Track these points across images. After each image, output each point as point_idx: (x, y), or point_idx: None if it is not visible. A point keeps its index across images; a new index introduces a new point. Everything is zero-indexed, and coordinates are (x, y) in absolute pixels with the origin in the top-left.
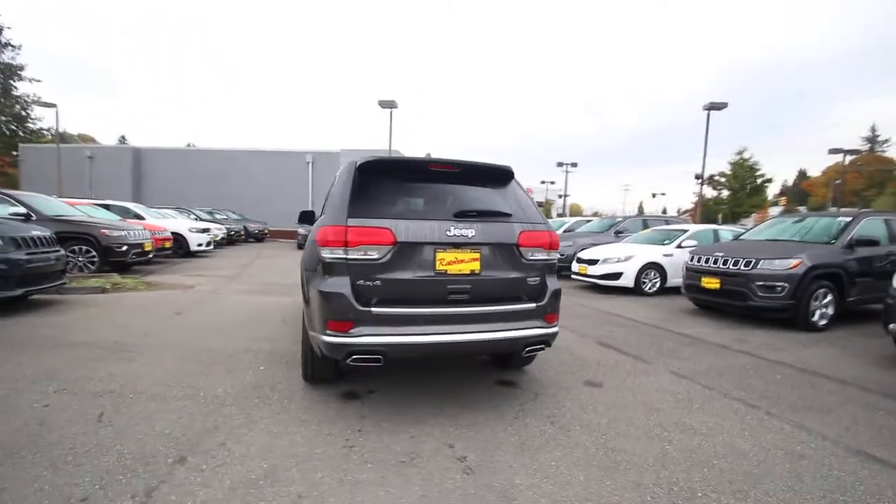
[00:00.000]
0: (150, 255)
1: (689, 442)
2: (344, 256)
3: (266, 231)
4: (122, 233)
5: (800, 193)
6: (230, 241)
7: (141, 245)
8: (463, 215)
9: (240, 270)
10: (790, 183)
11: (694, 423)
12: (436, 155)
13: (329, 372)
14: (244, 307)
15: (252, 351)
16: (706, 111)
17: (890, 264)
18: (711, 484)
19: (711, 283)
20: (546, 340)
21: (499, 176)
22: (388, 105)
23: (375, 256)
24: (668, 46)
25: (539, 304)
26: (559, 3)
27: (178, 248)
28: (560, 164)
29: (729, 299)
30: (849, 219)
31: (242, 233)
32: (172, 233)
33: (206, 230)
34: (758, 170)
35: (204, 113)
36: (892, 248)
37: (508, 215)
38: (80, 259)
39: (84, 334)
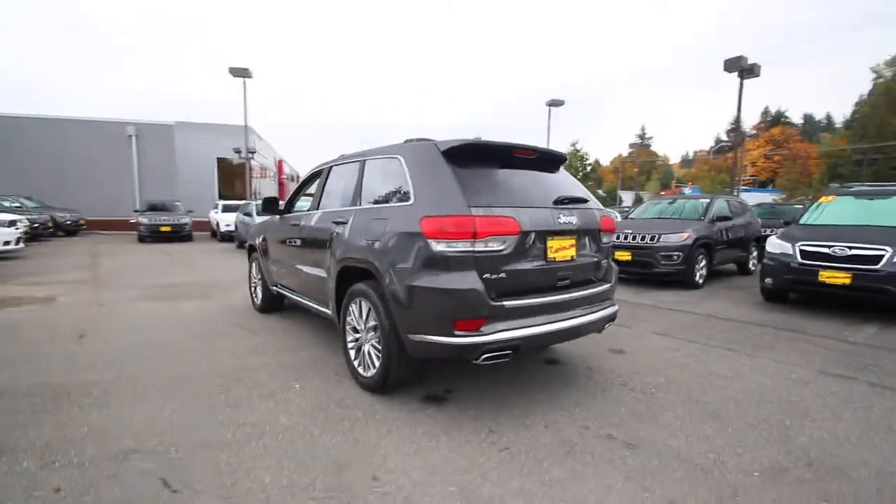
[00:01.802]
0: None
1: (736, 385)
2: (470, 249)
3: (82, 222)
4: None
5: (597, 179)
6: (34, 235)
7: None
8: (561, 202)
9: (91, 273)
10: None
11: (714, 369)
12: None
13: (413, 374)
14: (162, 318)
15: (252, 369)
16: (548, 107)
17: (734, 234)
18: (779, 414)
19: (623, 255)
20: (615, 317)
21: (559, 162)
22: (241, 74)
23: (500, 248)
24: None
25: (610, 284)
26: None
27: None
28: None
29: (640, 268)
30: (707, 200)
31: (51, 224)
32: None
33: (13, 223)
34: (587, 159)
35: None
36: (735, 222)
37: (587, 200)
38: None
39: None
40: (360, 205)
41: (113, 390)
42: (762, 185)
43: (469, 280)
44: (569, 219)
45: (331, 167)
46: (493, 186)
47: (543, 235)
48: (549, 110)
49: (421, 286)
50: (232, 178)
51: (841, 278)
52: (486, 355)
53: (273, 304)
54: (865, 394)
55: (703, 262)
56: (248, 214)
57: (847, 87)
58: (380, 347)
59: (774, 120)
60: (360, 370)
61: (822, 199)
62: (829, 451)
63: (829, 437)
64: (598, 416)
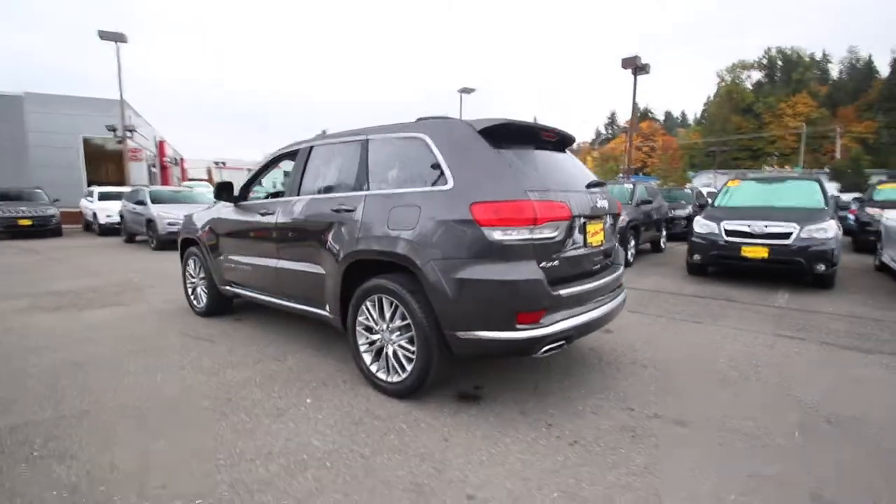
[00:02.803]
0: None
1: (723, 354)
2: (529, 237)
3: None
4: None
5: None
6: None
7: None
8: (592, 186)
9: None
10: None
11: (694, 340)
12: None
13: (447, 374)
14: (78, 332)
15: (237, 384)
16: (459, 93)
17: (653, 216)
18: (775, 377)
19: None
20: (625, 300)
21: (569, 143)
22: (114, 38)
23: (554, 234)
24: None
25: (622, 267)
26: None
27: None
28: None
29: None
30: (632, 186)
31: None
32: None
33: None
34: None
35: None
36: (652, 205)
37: (605, 183)
38: None
39: None
40: (369, 189)
41: (65, 434)
42: (636, 173)
43: (530, 269)
44: (602, 203)
45: (311, 147)
46: (533, 170)
47: (584, 220)
48: (461, 97)
49: (475, 279)
50: (102, 161)
51: (760, 252)
52: (546, 348)
53: (221, 305)
54: (822, 352)
55: (633, 242)
56: (141, 203)
57: (698, 88)
58: (412, 348)
59: (643, 116)
60: (382, 375)
61: (730, 183)
62: (836, 405)
63: (825, 394)
64: (634, 396)
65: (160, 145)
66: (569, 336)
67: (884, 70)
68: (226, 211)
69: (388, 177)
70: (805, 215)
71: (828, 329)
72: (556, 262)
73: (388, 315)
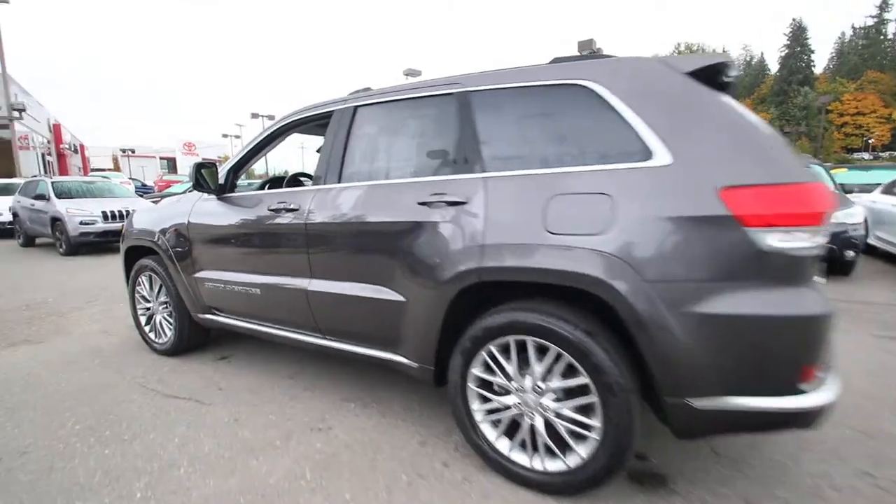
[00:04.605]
0: None
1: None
2: (814, 243)
3: None
4: None
5: None
6: None
7: None
8: None
9: None
10: None
11: None
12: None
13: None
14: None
15: (304, 481)
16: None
17: None
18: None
19: None
20: None
21: None
22: None
23: (824, 239)
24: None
25: None
26: None
27: None
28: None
29: None
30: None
31: None
32: None
33: None
34: None
35: None
36: None
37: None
38: None
39: None
40: (486, 170)
41: None
42: None
43: (817, 298)
44: None
45: (355, 108)
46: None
47: None
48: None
49: (737, 315)
50: None
51: None
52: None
53: (194, 339)
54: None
55: None
56: (42, 197)
57: None
58: (587, 420)
59: None
60: (522, 458)
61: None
62: None
63: None
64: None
65: (56, 129)
66: None
67: (773, 67)
68: (205, 206)
69: (519, 149)
70: None
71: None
72: None
73: (537, 369)
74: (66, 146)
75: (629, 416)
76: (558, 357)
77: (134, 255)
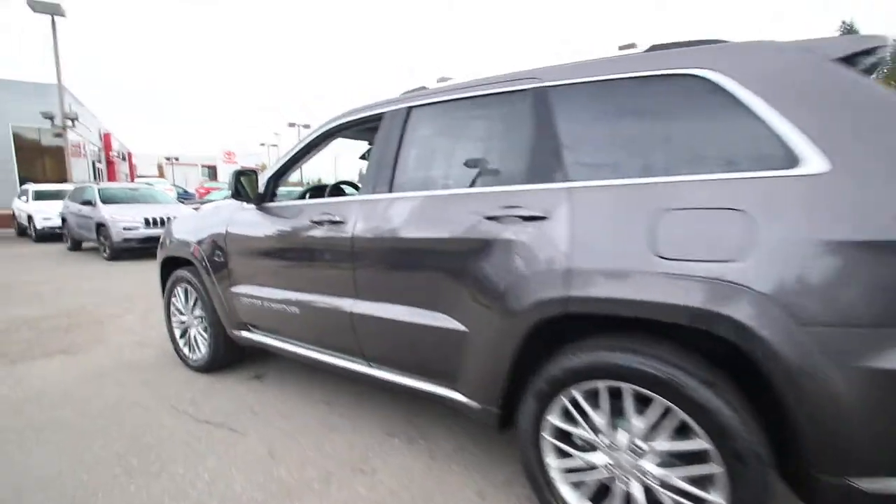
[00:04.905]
0: None
1: None
2: None
3: None
4: None
5: None
6: None
7: None
8: None
9: None
10: None
11: None
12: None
13: None
14: (2, 419)
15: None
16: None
17: None
18: None
19: None
20: None
21: None
22: (49, 10)
23: None
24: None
25: None
26: None
27: None
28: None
29: None
30: None
31: None
32: None
33: None
34: None
35: None
36: None
37: None
38: None
39: None
40: (570, 179)
41: None
42: None
43: None
44: None
45: (408, 109)
46: None
47: None
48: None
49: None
50: (37, 155)
51: None
52: None
53: (229, 356)
54: None
55: None
56: (88, 203)
57: None
58: (701, 494)
59: None
60: None
61: None
62: None
63: None
64: None
65: (105, 138)
66: None
67: None
68: (244, 216)
69: (613, 154)
70: None
71: None
72: None
73: (637, 425)
74: (116, 154)
75: (764, 495)
76: (666, 412)
77: (171, 265)
